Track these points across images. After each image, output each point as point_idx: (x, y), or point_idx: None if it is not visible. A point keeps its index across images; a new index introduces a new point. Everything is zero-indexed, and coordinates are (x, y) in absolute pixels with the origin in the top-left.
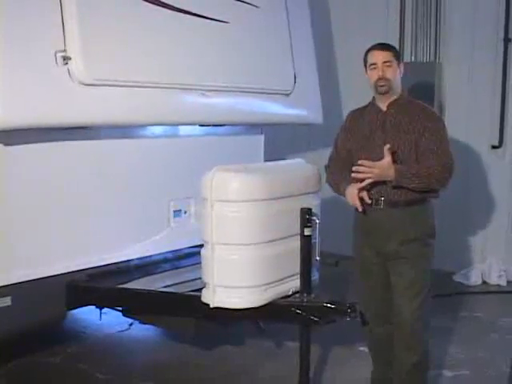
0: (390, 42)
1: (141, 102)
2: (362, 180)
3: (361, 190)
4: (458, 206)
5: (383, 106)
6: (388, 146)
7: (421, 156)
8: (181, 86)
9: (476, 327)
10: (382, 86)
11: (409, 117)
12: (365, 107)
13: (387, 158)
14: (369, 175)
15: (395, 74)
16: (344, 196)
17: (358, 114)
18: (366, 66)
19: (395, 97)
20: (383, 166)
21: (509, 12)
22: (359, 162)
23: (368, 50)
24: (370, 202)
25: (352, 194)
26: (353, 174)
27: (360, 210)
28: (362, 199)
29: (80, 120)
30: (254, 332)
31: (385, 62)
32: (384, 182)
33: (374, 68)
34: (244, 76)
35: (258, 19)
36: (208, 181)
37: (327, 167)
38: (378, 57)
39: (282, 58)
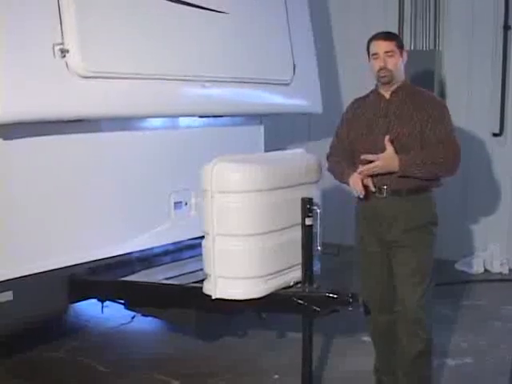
0: (390, 30)
1: (139, 94)
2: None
3: (365, 177)
4: (460, 194)
5: (386, 94)
6: (388, 136)
7: (428, 145)
8: (180, 78)
9: (478, 315)
10: (383, 77)
11: (413, 105)
12: (367, 95)
13: (389, 149)
14: (375, 170)
15: (397, 64)
16: (347, 184)
17: (359, 103)
18: (368, 54)
19: (398, 85)
20: (386, 158)
21: None
22: (362, 156)
23: (371, 39)
24: (374, 190)
25: (356, 181)
26: (358, 170)
27: (362, 196)
28: (366, 187)
29: (78, 113)
30: (255, 323)
31: (386, 51)
32: (390, 172)
33: (376, 58)
34: (243, 66)
35: (257, 9)
36: (208, 172)
37: (329, 156)
38: (380, 47)
39: (282, 47)
